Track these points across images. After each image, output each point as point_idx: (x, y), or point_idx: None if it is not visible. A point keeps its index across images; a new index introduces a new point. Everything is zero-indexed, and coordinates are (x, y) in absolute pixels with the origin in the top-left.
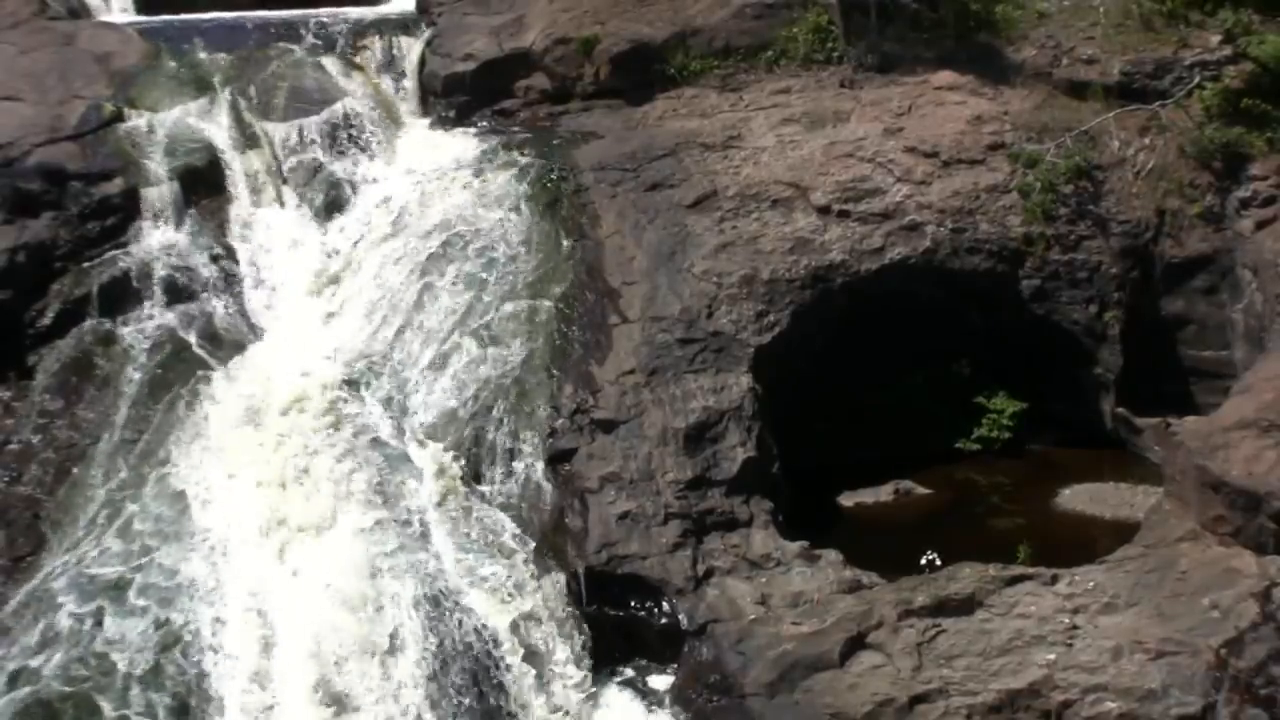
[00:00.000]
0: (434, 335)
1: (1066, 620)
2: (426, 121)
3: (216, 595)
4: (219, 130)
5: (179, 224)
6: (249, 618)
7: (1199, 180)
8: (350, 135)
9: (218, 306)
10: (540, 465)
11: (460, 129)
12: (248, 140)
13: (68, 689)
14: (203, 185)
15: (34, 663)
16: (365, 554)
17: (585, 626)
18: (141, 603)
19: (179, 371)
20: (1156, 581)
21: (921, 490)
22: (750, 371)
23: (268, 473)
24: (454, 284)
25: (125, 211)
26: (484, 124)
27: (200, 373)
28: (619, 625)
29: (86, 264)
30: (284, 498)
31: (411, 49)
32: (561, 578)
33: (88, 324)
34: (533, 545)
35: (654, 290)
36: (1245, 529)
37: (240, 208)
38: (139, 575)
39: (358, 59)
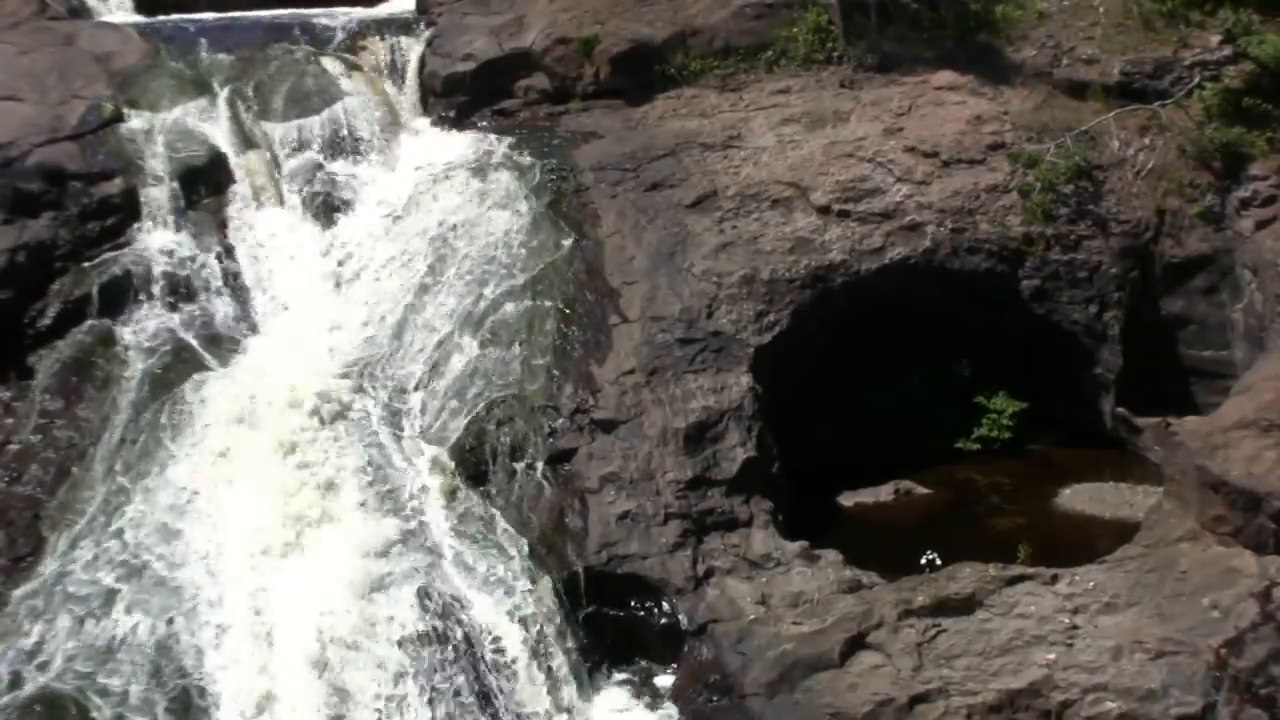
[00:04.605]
0: (434, 335)
1: (1066, 620)
2: (426, 121)
3: (216, 595)
4: (219, 130)
5: (179, 224)
6: (248, 618)
7: (1199, 180)
8: (350, 135)
9: (217, 306)
10: (540, 465)
11: (460, 129)
12: (247, 140)
13: (68, 689)
14: (202, 185)
15: (34, 663)
16: (365, 554)
17: (585, 626)
18: (141, 603)
19: (179, 371)
20: (1156, 581)
21: (921, 490)
22: (750, 371)
23: (267, 473)
24: (454, 284)
25: (125, 211)
26: (484, 124)
27: (200, 373)
28: (619, 625)
29: (86, 264)
30: (283, 498)
31: (411, 49)
32: (561, 577)
33: (88, 324)
34: (532, 545)
35: (654, 290)
36: (1245, 529)
37: (240, 208)
38: (139, 575)
39: (358, 59)
